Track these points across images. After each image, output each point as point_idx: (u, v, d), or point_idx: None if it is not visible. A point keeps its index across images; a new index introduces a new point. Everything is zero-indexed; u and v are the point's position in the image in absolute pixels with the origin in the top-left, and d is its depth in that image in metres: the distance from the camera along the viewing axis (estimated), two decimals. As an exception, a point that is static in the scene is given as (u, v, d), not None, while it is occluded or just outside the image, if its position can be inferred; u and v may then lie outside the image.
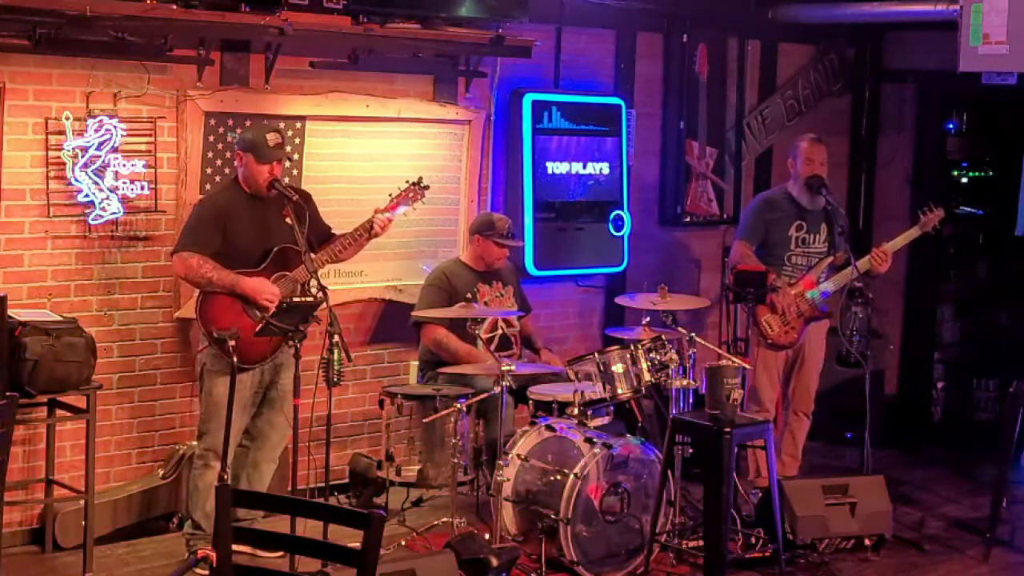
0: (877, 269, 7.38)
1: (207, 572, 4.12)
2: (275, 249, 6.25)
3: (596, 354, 6.73)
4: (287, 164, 6.67)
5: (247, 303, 6.16)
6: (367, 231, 6.44)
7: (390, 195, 6.58)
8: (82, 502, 6.25)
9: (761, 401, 7.49)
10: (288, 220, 6.13)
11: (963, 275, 10.33)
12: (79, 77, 6.44)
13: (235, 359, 5.83)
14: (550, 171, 8.15)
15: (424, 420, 6.54)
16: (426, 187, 6.63)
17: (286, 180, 6.57)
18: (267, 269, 6.24)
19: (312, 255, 6.20)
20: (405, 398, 6.65)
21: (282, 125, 6.91)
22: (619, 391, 6.64)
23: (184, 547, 6.34)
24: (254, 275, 6.19)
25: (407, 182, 6.61)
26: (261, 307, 6.14)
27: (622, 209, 8.46)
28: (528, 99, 8.00)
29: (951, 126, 10.13)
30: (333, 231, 6.54)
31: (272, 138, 6.26)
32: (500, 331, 7.23)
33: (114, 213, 6.56)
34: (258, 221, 6.25)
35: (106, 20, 6.23)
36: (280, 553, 5.67)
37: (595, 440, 6.32)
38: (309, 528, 5.39)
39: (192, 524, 6.33)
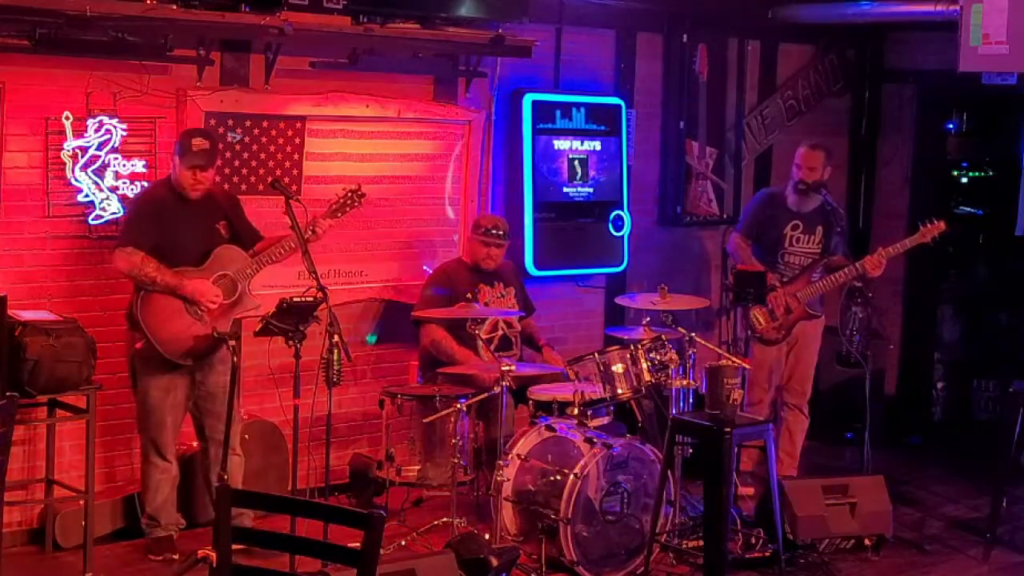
0: (871, 273, 7.40)
1: (207, 572, 4.13)
2: (215, 249, 6.29)
3: (596, 354, 6.73)
4: (213, 174, 6.58)
5: (187, 302, 6.20)
6: (311, 232, 6.35)
7: (331, 202, 6.54)
8: (82, 502, 6.24)
9: (751, 400, 7.49)
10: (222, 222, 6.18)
11: (963, 275, 10.32)
12: (79, 77, 6.44)
13: (235, 358, 5.84)
14: (550, 171, 8.14)
15: (424, 420, 6.54)
16: (363, 195, 6.55)
17: (276, 183, 6.58)
18: (208, 269, 6.27)
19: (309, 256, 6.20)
20: (405, 398, 6.65)
21: (282, 125, 6.91)
22: (619, 391, 6.63)
23: (145, 537, 6.46)
24: (195, 275, 6.23)
25: (344, 189, 6.56)
26: (203, 308, 6.20)
27: (622, 209, 8.46)
28: (528, 99, 8.00)
29: (951, 126, 10.13)
30: (262, 235, 6.54)
31: (198, 143, 6.25)
32: (500, 332, 7.23)
33: (114, 213, 6.56)
34: (191, 220, 6.29)
35: (106, 20, 6.23)
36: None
37: (595, 440, 6.32)
38: (309, 528, 5.39)
39: (148, 516, 6.43)
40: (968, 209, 10.33)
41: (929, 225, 7.45)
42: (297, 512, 5.03)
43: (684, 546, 6.55)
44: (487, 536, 6.25)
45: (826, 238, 7.56)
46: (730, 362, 6.36)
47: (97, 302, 6.64)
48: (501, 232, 7.27)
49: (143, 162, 6.65)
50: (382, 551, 4.96)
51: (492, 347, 7.04)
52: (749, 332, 7.53)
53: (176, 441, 6.45)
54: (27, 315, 6.07)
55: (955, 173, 10.27)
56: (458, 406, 6.43)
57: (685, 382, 6.72)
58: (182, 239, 6.26)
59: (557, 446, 6.46)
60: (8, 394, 5.65)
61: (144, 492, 6.45)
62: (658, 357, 6.67)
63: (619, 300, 7.64)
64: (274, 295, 6.43)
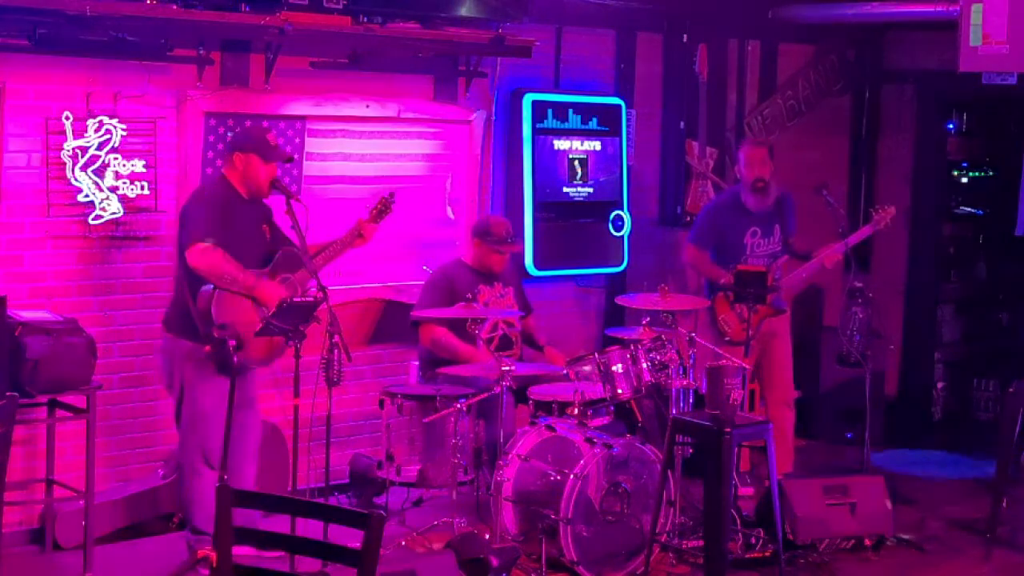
0: (828, 266, 7.55)
1: (207, 572, 4.13)
2: (280, 252, 6.23)
3: (596, 354, 6.73)
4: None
5: (256, 303, 6.14)
6: (357, 236, 6.38)
7: (369, 208, 6.50)
8: (82, 502, 6.24)
9: None
10: (289, 221, 6.12)
11: (963, 275, 10.33)
12: (79, 77, 6.44)
13: (236, 360, 5.83)
14: (550, 171, 8.15)
15: (424, 420, 6.54)
16: (393, 200, 6.51)
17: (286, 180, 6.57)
18: (273, 271, 6.22)
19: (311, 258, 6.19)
20: (405, 398, 6.65)
21: (282, 125, 6.91)
22: (619, 391, 6.64)
23: (187, 550, 6.33)
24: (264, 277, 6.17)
25: (380, 198, 6.50)
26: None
27: (622, 209, 8.46)
28: (528, 99, 8.01)
29: (951, 126, 10.13)
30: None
31: (272, 138, 6.26)
32: (500, 331, 7.23)
33: (114, 213, 6.56)
34: (250, 222, 6.23)
35: (106, 20, 6.23)
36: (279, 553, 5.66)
37: (595, 440, 6.32)
38: (309, 528, 5.38)
39: (193, 529, 6.30)
40: (968, 209, 10.33)
41: (881, 212, 7.55)
42: (297, 512, 5.02)
43: (684, 546, 6.55)
44: (487, 536, 6.25)
45: (784, 234, 7.62)
46: (730, 362, 6.36)
47: (97, 302, 6.64)
48: (513, 238, 7.27)
49: (143, 162, 6.65)
50: (382, 551, 4.96)
51: (492, 347, 7.05)
52: (716, 334, 7.52)
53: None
54: (27, 315, 6.06)
55: (955, 173, 10.28)
56: (458, 406, 6.43)
57: (685, 382, 6.72)
58: (245, 240, 6.16)
59: (557, 446, 6.46)
60: (8, 394, 5.65)
61: (189, 505, 6.28)
62: (658, 357, 6.67)
63: (619, 300, 7.63)
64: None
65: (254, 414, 6.41)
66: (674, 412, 6.61)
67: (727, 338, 7.48)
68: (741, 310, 7.38)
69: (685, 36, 8.78)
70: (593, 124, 8.32)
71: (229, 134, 6.84)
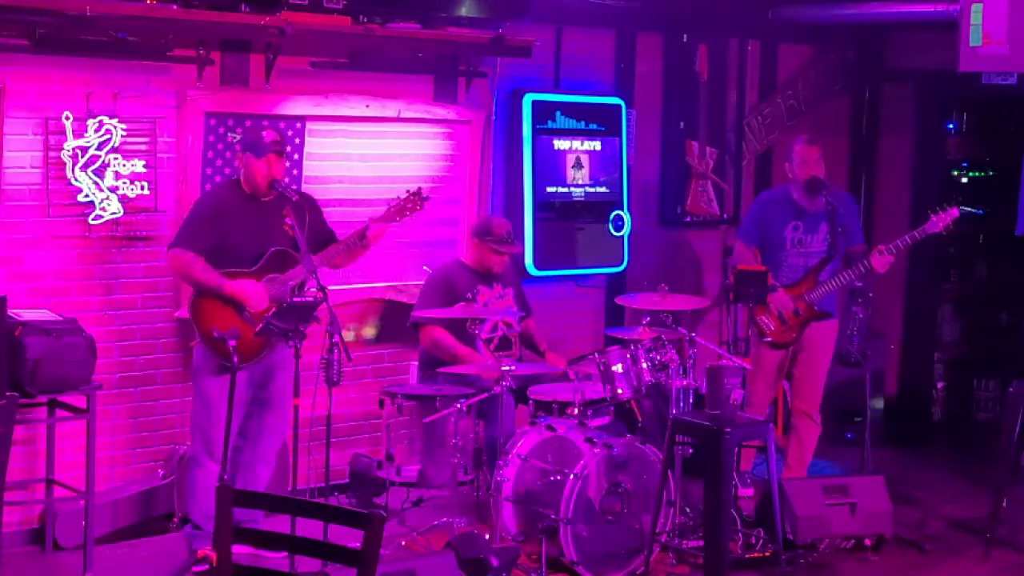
0: (877, 270, 7.35)
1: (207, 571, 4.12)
2: (272, 251, 6.24)
3: (596, 354, 6.73)
4: (287, 164, 6.68)
5: (235, 304, 6.16)
6: (359, 239, 6.38)
7: (389, 206, 6.51)
8: (82, 502, 6.24)
9: (752, 402, 7.43)
10: (288, 221, 6.13)
11: (963, 275, 10.33)
12: (79, 77, 6.44)
13: (235, 359, 5.84)
14: (550, 171, 8.14)
15: (424, 420, 6.54)
16: (426, 198, 6.51)
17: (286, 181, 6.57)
18: (261, 270, 6.23)
19: (311, 256, 6.19)
20: (405, 398, 6.65)
21: (282, 125, 6.91)
22: (619, 391, 6.64)
23: (185, 548, 6.33)
24: (245, 276, 6.18)
25: (407, 192, 6.52)
26: (250, 311, 6.13)
27: (622, 209, 8.47)
28: (528, 99, 8.01)
29: (951, 126, 10.13)
30: (337, 238, 6.50)
31: (268, 134, 6.27)
32: (500, 331, 7.23)
33: (114, 213, 6.57)
34: (255, 222, 6.24)
35: (106, 20, 6.24)
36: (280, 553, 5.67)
37: (595, 440, 6.33)
38: (309, 528, 5.38)
39: (192, 525, 6.32)
40: (968, 209, 10.32)
41: (941, 213, 7.29)
42: (297, 512, 5.02)
43: (684, 546, 6.55)
44: (487, 536, 6.25)
45: (832, 235, 7.48)
46: (730, 362, 6.35)
47: (97, 302, 6.64)
48: (513, 239, 7.26)
49: (143, 162, 6.65)
50: (382, 551, 4.96)
51: (492, 347, 7.04)
52: (756, 334, 7.45)
53: (232, 445, 6.21)
54: (27, 315, 6.06)
55: (955, 173, 10.28)
56: (458, 406, 6.43)
57: (685, 382, 6.71)
58: (240, 241, 6.19)
59: (557, 446, 6.46)
60: (8, 394, 5.65)
61: (189, 498, 6.33)
62: (658, 357, 6.67)
63: (619, 300, 7.63)
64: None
65: (276, 417, 6.42)
66: (674, 412, 6.61)
67: (766, 338, 7.41)
68: (782, 311, 7.32)
69: (685, 36, 8.79)
70: (593, 124, 8.32)
71: (229, 134, 6.86)
